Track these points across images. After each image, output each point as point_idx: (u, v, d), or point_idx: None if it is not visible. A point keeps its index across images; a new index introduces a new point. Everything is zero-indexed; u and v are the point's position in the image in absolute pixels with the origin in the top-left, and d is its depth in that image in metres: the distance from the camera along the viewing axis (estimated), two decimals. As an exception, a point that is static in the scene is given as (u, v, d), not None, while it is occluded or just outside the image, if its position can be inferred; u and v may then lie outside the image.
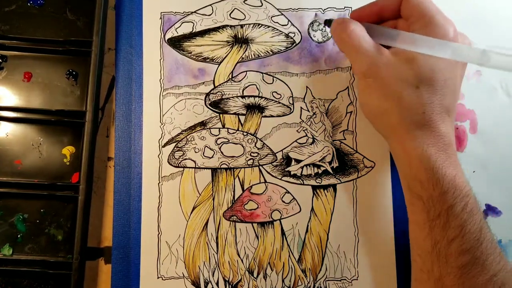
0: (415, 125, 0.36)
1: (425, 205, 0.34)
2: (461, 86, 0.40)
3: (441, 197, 0.34)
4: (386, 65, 0.36)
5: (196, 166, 0.45)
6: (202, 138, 0.46)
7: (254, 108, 0.46)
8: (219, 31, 0.47)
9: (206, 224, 0.45)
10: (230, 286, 0.44)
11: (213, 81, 0.46)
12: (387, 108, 0.36)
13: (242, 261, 0.44)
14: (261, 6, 0.47)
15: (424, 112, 0.35)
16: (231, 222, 0.45)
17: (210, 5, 0.47)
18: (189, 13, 0.47)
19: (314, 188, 0.45)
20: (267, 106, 0.46)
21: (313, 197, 0.45)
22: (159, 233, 0.44)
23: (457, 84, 0.37)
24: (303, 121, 0.46)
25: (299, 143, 0.46)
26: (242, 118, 0.46)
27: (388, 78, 0.35)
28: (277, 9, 0.47)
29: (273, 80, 0.47)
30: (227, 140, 0.46)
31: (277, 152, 0.46)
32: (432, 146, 0.35)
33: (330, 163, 0.46)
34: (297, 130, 0.46)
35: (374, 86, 0.36)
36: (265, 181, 0.45)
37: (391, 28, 0.37)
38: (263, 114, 0.46)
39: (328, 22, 0.42)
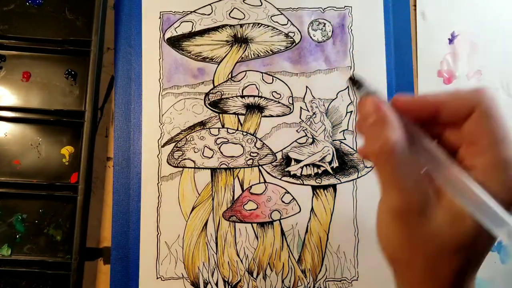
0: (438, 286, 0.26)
1: None
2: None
3: None
4: (426, 212, 0.25)
5: (196, 166, 0.45)
6: (202, 138, 0.45)
7: (254, 108, 0.46)
8: (218, 31, 0.47)
9: (206, 224, 0.44)
10: (229, 286, 0.44)
11: (213, 80, 0.46)
12: (409, 262, 0.26)
13: (241, 261, 0.44)
14: (260, 5, 0.47)
15: (456, 281, 0.26)
16: (231, 222, 0.45)
17: (210, 4, 0.47)
18: (189, 12, 0.47)
19: (314, 188, 0.45)
20: (267, 106, 0.46)
21: (313, 197, 0.45)
22: (158, 234, 0.44)
23: (488, 250, 0.27)
24: (302, 121, 0.46)
25: (299, 143, 0.46)
26: (241, 118, 0.46)
27: (424, 231, 0.25)
28: (277, 8, 0.47)
29: (272, 79, 0.46)
30: (226, 140, 0.45)
31: (277, 152, 0.46)
32: None
33: (330, 163, 0.46)
34: (296, 130, 0.46)
35: (402, 231, 0.25)
36: (265, 181, 0.45)
37: (444, 154, 0.25)
38: (263, 114, 0.46)
39: (354, 83, 0.28)
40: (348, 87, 0.47)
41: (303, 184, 0.45)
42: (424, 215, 0.24)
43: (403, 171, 0.24)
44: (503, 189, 0.23)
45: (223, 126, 0.46)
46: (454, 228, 0.24)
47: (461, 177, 0.23)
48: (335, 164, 0.46)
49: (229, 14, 0.47)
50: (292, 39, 0.47)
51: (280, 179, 0.45)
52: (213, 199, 0.45)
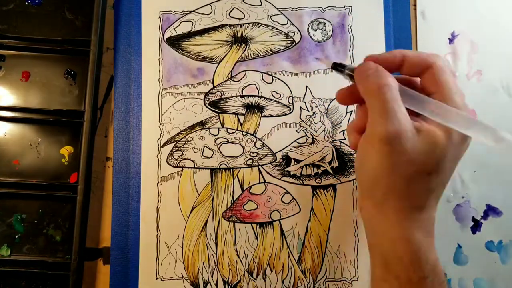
0: (412, 209, 0.32)
1: (401, 285, 0.32)
2: None
3: (420, 282, 0.32)
4: (408, 142, 0.30)
5: (195, 166, 0.45)
6: (201, 138, 0.45)
7: (254, 108, 0.46)
8: (218, 30, 0.47)
9: (205, 224, 0.44)
10: (229, 286, 0.44)
11: (212, 80, 0.46)
12: (390, 185, 0.32)
13: (241, 261, 0.44)
14: (260, 5, 0.47)
15: (427, 199, 0.32)
16: (231, 223, 0.44)
17: (209, 4, 0.47)
18: (188, 12, 0.47)
19: (314, 188, 0.45)
20: (267, 105, 0.46)
21: (312, 197, 0.45)
22: (158, 234, 0.44)
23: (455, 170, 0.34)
24: (302, 120, 0.46)
25: (299, 143, 0.46)
26: (241, 117, 0.46)
27: (405, 155, 0.31)
28: (277, 8, 0.47)
29: (272, 79, 0.46)
30: (226, 140, 0.45)
31: (277, 152, 0.45)
32: (422, 229, 0.32)
33: (330, 163, 0.46)
34: (296, 130, 0.46)
35: (386, 155, 0.31)
36: (265, 181, 0.45)
37: (421, 94, 0.32)
38: (263, 113, 0.46)
39: (337, 67, 0.36)
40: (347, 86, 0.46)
41: (303, 184, 0.45)
42: (407, 142, 0.30)
43: (397, 103, 0.30)
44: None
45: (222, 126, 0.46)
46: (430, 154, 0.30)
47: (441, 106, 0.31)
48: (335, 164, 0.46)
49: (229, 13, 0.47)
50: (292, 39, 0.47)
51: (280, 179, 0.45)
52: (212, 199, 0.45)
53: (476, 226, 0.47)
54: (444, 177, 0.32)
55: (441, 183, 0.33)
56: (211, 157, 0.45)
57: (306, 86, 0.46)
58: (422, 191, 0.32)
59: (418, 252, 0.32)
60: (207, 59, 0.46)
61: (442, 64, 0.32)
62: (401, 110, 0.31)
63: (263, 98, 0.46)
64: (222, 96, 0.46)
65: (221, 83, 0.46)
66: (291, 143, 0.46)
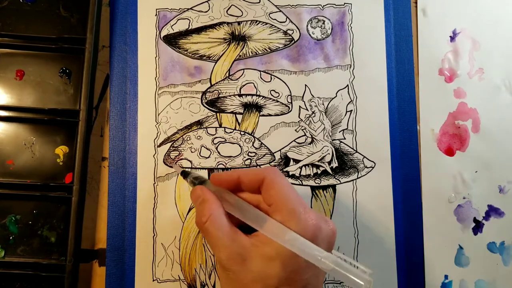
0: None
1: None
2: (323, 280, 0.36)
3: None
4: (245, 260, 0.31)
5: (193, 166, 0.44)
6: (199, 137, 0.45)
7: (252, 107, 0.45)
8: (215, 28, 0.46)
9: (203, 225, 0.44)
10: (227, 289, 0.43)
11: (210, 79, 0.45)
12: None
13: (239, 263, 0.44)
14: (258, 2, 0.46)
15: None
16: (228, 224, 0.44)
17: (207, 1, 0.46)
18: (185, 9, 0.46)
19: (313, 188, 0.45)
20: (265, 104, 0.45)
21: (312, 198, 0.44)
22: (154, 235, 0.43)
23: (320, 280, 0.33)
24: (301, 120, 0.45)
25: (298, 143, 0.45)
26: (239, 117, 0.45)
27: (246, 275, 0.31)
28: (275, 5, 0.46)
29: (271, 78, 0.46)
30: (224, 140, 0.45)
31: (275, 152, 0.45)
32: None
33: (329, 163, 0.45)
34: (295, 130, 0.45)
35: (233, 280, 0.32)
36: (263, 182, 0.44)
37: (256, 210, 0.33)
38: (261, 113, 0.45)
39: (184, 175, 0.39)
40: (347, 85, 0.46)
41: (302, 185, 0.44)
42: (244, 263, 0.31)
43: (221, 233, 0.32)
44: (298, 231, 0.30)
45: (220, 126, 0.45)
46: (269, 269, 0.30)
47: (272, 225, 0.31)
48: (335, 164, 0.45)
49: (227, 11, 0.46)
50: (290, 37, 0.46)
51: (278, 179, 0.44)
52: (210, 200, 0.44)
53: (477, 227, 0.46)
54: (300, 287, 0.31)
55: None
56: (208, 157, 0.44)
57: (305, 85, 0.46)
58: None
59: None
60: (204, 58, 0.46)
61: (272, 176, 0.33)
62: (225, 235, 0.32)
63: (261, 97, 0.45)
64: (219, 95, 0.45)
65: (219, 81, 0.45)
66: (290, 142, 0.45)
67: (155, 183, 0.44)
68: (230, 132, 0.45)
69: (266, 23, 0.46)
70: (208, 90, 0.45)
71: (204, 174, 0.44)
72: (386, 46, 0.47)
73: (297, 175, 0.45)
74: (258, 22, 0.46)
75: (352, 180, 0.45)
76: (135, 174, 0.44)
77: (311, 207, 0.44)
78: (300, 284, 0.31)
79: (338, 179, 0.45)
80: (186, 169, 0.41)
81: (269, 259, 0.31)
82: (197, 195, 0.35)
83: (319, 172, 0.45)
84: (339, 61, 0.46)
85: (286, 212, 0.31)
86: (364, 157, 0.45)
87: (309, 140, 0.45)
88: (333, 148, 0.45)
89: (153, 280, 0.43)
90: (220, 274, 0.34)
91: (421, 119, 0.47)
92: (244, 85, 0.45)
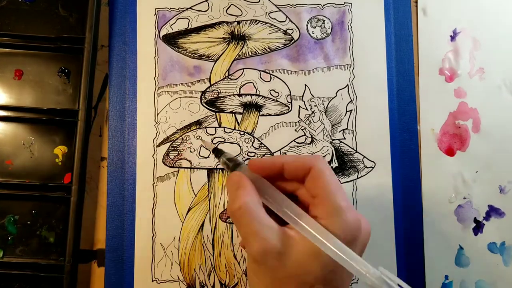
0: None
1: None
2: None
3: None
4: (282, 255, 0.29)
5: (192, 166, 0.44)
6: (198, 137, 0.44)
7: (251, 107, 0.45)
8: (215, 28, 0.46)
9: (202, 226, 0.44)
10: (226, 289, 0.43)
11: (209, 79, 0.45)
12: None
13: (238, 263, 0.43)
14: (258, 2, 0.46)
15: None
16: (228, 224, 0.44)
17: (206, 0, 0.46)
18: (185, 9, 0.46)
19: (313, 188, 0.44)
20: (265, 104, 0.45)
21: (311, 198, 0.44)
22: (153, 235, 0.43)
23: (350, 279, 0.32)
24: (301, 120, 0.45)
25: (298, 143, 0.45)
26: (238, 117, 0.45)
27: (282, 271, 0.29)
28: (275, 5, 0.46)
29: (270, 78, 0.45)
30: (223, 140, 0.44)
31: (275, 152, 0.45)
32: None
33: (329, 163, 0.45)
34: (295, 129, 0.45)
35: (265, 274, 0.29)
36: (263, 182, 0.44)
37: (295, 206, 0.30)
38: (261, 113, 0.45)
39: (217, 153, 0.35)
40: (347, 85, 0.46)
41: (302, 185, 0.44)
42: (282, 257, 0.28)
43: (257, 223, 0.29)
44: (340, 232, 0.28)
45: (219, 126, 0.45)
46: (308, 266, 0.28)
47: (311, 226, 0.28)
48: (335, 164, 0.45)
49: (226, 10, 0.46)
50: (290, 36, 0.46)
51: (278, 179, 0.44)
52: (209, 200, 0.44)
53: (478, 227, 0.46)
54: (334, 286, 0.29)
55: None
56: (207, 157, 0.44)
57: (305, 85, 0.46)
58: None
59: None
60: (203, 57, 0.45)
61: (321, 166, 0.30)
62: (262, 228, 0.29)
63: (261, 97, 0.45)
64: (219, 95, 0.45)
65: (218, 81, 0.45)
66: (290, 142, 0.45)
67: (154, 183, 0.44)
68: (230, 132, 0.45)
69: (266, 23, 0.46)
70: (208, 90, 0.45)
71: (204, 174, 0.44)
72: (386, 46, 0.46)
73: (297, 175, 0.44)
74: (257, 21, 0.46)
75: (352, 180, 0.45)
76: (134, 174, 0.44)
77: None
78: (335, 283, 0.29)
79: (338, 179, 0.45)
80: (219, 148, 0.36)
81: (308, 256, 0.28)
82: (234, 181, 0.31)
83: (319, 172, 0.44)
84: (339, 60, 0.46)
85: (332, 208, 0.29)
86: (364, 157, 0.45)
87: (309, 140, 0.45)
88: (333, 148, 0.45)
89: (152, 281, 0.43)
90: (251, 268, 0.31)
91: (421, 119, 0.47)
92: (243, 85, 0.45)
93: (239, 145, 0.44)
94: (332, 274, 0.29)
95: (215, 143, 0.44)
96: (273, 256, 0.28)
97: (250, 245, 0.29)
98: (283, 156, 0.35)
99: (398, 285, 0.27)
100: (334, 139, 0.45)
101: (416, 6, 0.48)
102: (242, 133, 0.45)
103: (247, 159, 0.44)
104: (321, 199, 0.29)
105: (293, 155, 0.39)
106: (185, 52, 0.45)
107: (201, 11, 0.46)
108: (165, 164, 0.44)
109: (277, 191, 0.31)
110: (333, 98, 0.46)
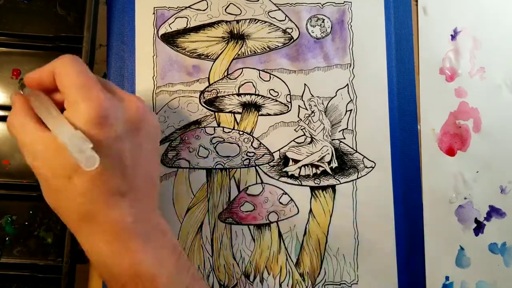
0: (79, 220, 0.31)
1: None
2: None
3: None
4: (42, 152, 0.30)
5: (191, 166, 0.44)
6: (197, 137, 0.44)
7: (251, 106, 0.45)
8: (214, 27, 0.45)
9: (201, 226, 0.43)
10: (225, 290, 0.43)
11: (208, 78, 0.45)
12: (50, 203, 0.32)
13: (238, 264, 0.43)
14: (257, 1, 0.46)
15: (83, 203, 0.30)
16: (227, 224, 0.43)
17: (205, -1, 0.46)
18: (183, 8, 0.46)
19: (313, 189, 0.44)
20: (264, 104, 0.45)
21: (311, 198, 0.44)
22: (152, 236, 0.43)
23: (135, 155, 0.32)
24: (301, 119, 0.45)
25: (297, 143, 0.45)
26: (238, 116, 0.45)
27: (43, 168, 0.31)
28: (274, 4, 0.46)
29: (270, 77, 0.45)
30: (222, 140, 0.44)
31: (274, 152, 0.44)
32: (100, 239, 0.31)
33: (329, 163, 0.44)
34: (295, 129, 0.45)
35: (39, 176, 0.32)
36: (262, 182, 0.44)
37: (53, 108, 0.31)
38: (260, 112, 0.45)
39: (21, 85, 0.36)
40: (347, 84, 0.45)
41: (301, 185, 0.44)
42: (41, 161, 0.30)
43: (28, 129, 0.31)
44: (80, 118, 0.29)
45: (218, 125, 0.44)
46: (60, 156, 0.29)
47: (53, 119, 0.30)
48: (334, 164, 0.44)
49: (225, 9, 0.46)
50: (290, 36, 0.46)
51: (277, 179, 0.44)
52: (208, 200, 0.44)
53: (479, 228, 0.45)
54: (100, 171, 0.29)
55: (96, 180, 0.29)
56: (206, 157, 0.44)
57: (305, 84, 0.45)
58: (72, 198, 0.30)
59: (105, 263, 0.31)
60: (202, 56, 0.45)
61: (58, 65, 0.31)
62: (29, 132, 0.31)
63: (260, 97, 0.45)
64: (218, 94, 0.45)
65: (217, 81, 0.45)
66: (289, 142, 0.45)
67: (152, 183, 0.43)
68: (229, 132, 0.44)
69: (265, 22, 0.46)
70: (207, 89, 0.45)
71: (202, 174, 0.44)
72: (387, 45, 0.46)
73: (296, 175, 0.44)
74: (257, 20, 0.46)
75: (352, 180, 0.44)
76: (132, 174, 0.43)
77: (311, 208, 0.44)
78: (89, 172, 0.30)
79: (337, 179, 0.44)
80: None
81: (57, 148, 0.29)
82: (12, 101, 0.33)
83: (318, 172, 0.44)
84: (338, 60, 0.46)
85: (68, 100, 0.30)
86: (364, 157, 0.45)
87: (309, 140, 0.45)
88: (333, 148, 0.45)
89: (151, 282, 0.42)
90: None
91: (422, 118, 0.46)
92: (242, 84, 0.45)
93: (238, 145, 0.44)
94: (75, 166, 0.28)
95: (214, 143, 0.44)
96: (35, 154, 0.30)
97: (24, 147, 0.31)
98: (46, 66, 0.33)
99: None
100: (334, 139, 0.45)
101: (417, 5, 0.48)
102: (241, 132, 0.44)
103: (246, 159, 0.44)
104: (63, 94, 0.31)
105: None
106: (183, 51, 0.45)
107: (200, 10, 0.46)
108: (164, 164, 0.44)
109: (46, 99, 0.32)
110: (333, 97, 0.45)
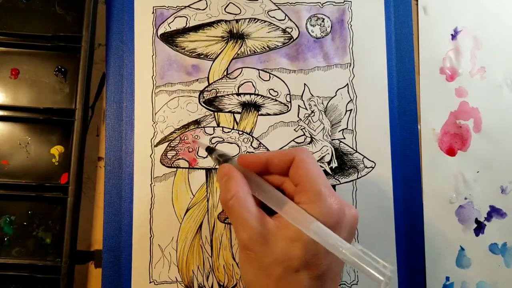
0: None
1: None
2: (343, 267, 0.35)
3: None
4: (268, 242, 0.31)
5: (190, 167, 0.44)
6: (196, 137, 0.44)
7: (250, 106, 0.45)
8: (213, 26, 0.45)
9: (200, 226, 0.43)
10: (225, 290, 0.43)
11: (208, 78, 0.45)
12: (263, 284, 0.32)
13: (237, 264, 0.43)
14: (257, 0, 0.46)
15: None
16: (226, 225, 0.43)
17: (204, -1, 0.46)
18: (183, 7, 0.45)
19: (312, 189, 0.44)
20: (264, 104, 0.45)
21: (311, 198, 0.44)
22: (151, 236, 0.43)
23: (340, 266, 0.33)
24: (300, 119, 0.45)
25: (297, 143, 0.45)
26: (237, 116, 0.45)
27: (268, 257, 0.31)
28: (274, 3, 0.46)
29: (269, 77, 0.45)
30: (222, 140, 0.44)
31: (274, 152, 0.44)
32: None
33: (329, 163, 0.44)
34: (294, 129, 0.45)
35: (253, 261, 0.31)
36: (262, 182, 0.44)
37: (280, 193, 0.32)
38: (259, 112, 0.45)
39: (210, 151, 0.38)
40: (347, 84, 0.45)
41: (301, 185, 0.44)
42: (267, 243, 0.30)
43: (246, 212, 0.31)
44: (321, 215, 0.29)
45: (218, 125, 0.44)
46: (291, 251, 0.30)
47: (293, 210, 0.30)
48: (334, 164, 0.44)
49: (225, 9, 0.45)
50: (289, 35, 0.46)
51: (277, 179, 0.44)
52: (208, 201, 0.43)
53: (479, 228, 0.45)
54: (320, 274, 0.30)
55: (317, 281, 0.30)
56: (206, 157, 0.44)
57: (304, 84, 0.45)
58: None
59: None
60: (202, 56, 0.45)
61: (302, 156, 0.32)
62: (250, 214, 0.31)
63: (260, 96, 0.45)
64: (217, 94, 0.45)
65: (217, 80, 0.45)
66: (289, 142, 0.44)
67: (152, 183, 0.43)
68: (228, 132, 0.44)
69: (265, 21, 0.45)
70: (206, 89, 0.45)
71: (202, 174, 0.44)
72: (387, 45, 0.46)
73: (296, 175, 0.44)
74: (256, 20, 0.45)
75: (352, 180, 0.44)
76: (131, 174, 0.43)
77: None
78: (321, 268, 0.30)
79: (337, 180, 0.44)
80: (211, 145, 0.39)
81: (291, 241, 0.30)
82: (224, 172, 0.33)
83: (318, 172, 0.44)
84: (338, 59, 0.46)
85: (312, 193, 0.30)
86: (364, 157, 0.44)
87: (308, 139, 0.45)
88: (333, 148, 0.44)
89: (150, 282, 0.42)
90: (241, 255, 0.33)
91: (422, 118, 0.46)
92: (242, 84, 0.45)
93: (238, 145, 0.44)
94: (315, 259, 0.30)
95: (214, 143, 0.44)
96: (259, 242, 0.30)
97: (240, 233, 0.31)
98: (268, 152, 0.36)
99: (376, 260, 0.28)
100: (334, 139, 0.45)
101: (417, 4, 0.48)
102: (240, 132, 0.44)
103: (246, 159, 0.44)
104: (303, 186, 0.31)
105: (278, 150, 0.41)
106: (183, 51, 0.45)
107: (199, 9, 0.45)
108: (163, 164, 0.43)
109: (264, 181, 0.33)
110: (332, 97, 0.45)
